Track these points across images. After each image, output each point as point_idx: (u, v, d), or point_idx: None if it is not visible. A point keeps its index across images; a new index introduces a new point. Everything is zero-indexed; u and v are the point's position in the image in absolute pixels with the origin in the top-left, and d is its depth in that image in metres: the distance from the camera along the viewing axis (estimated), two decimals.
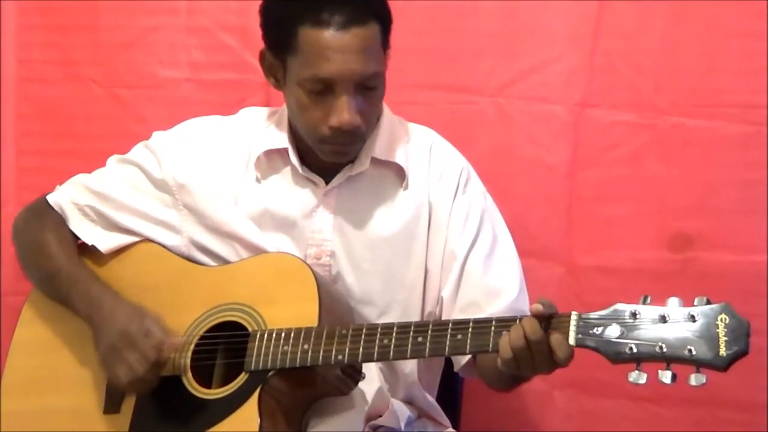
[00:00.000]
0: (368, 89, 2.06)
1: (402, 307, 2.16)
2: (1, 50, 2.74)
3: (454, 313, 2.13)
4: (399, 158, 2.18)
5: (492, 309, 2.09)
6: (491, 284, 2.13)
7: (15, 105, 2.76)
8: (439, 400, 2.30)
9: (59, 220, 2.23)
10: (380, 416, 2.13)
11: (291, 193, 2.17)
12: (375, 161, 2.16)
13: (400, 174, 2.18)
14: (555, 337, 1.82)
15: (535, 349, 1.83)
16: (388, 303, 2.16)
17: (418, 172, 2.19)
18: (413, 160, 2.19)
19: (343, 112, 2.03)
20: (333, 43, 2.01)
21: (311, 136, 2.10)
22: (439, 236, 2.17)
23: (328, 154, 2.12)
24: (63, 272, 2.18)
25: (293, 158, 2.16)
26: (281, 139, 2.18)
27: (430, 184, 2.18)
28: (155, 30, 2.74)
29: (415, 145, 2.21)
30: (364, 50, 2.03)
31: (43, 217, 2.24)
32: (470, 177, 2.22)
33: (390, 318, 2.14)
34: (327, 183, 2.17)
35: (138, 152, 2.26)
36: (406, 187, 2.18)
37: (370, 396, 2.09)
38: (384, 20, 2.08)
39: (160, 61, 2.74)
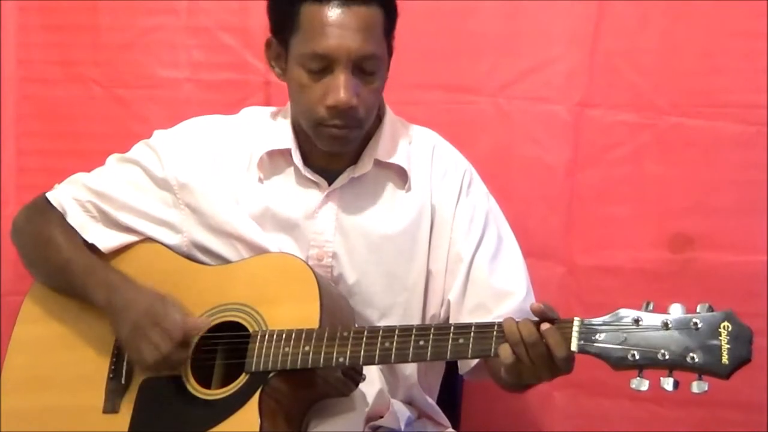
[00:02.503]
0: (367, 73, 2.06)
1: (403, 309, 2.16)
2: (1, 50, 2.74)
3: (462, 315, 2.13)
4: (401, 160, 2.17)
5: (500, 311, 2.09)
6: (498, 286, 2.14)
7: (15, 105, 2.75)
8: (439, 400, 2.31)
9: (62, 216, 2.23)
10: (380, 417, 2.12)
11: (293, 193, 2.17)
12: (378, 163, 2.16)
13: (402, 176, 2.18)
14: (553, 339, 1.82)
15: (532, 352, 1.84)
16: (389, 305, 2.16)
17: (420, 174, 2.18)
18: (416, 162, 2.19)
19: (339, 90, 2.03)
20: (332, 19, 2.02)
21: (309, 120, 2.09)
22: (443, 239, 2.17)
23: (326, 141, 2.10)
24: (74, 263, 2.18)
25: (296, 159, 2.16)
26: (284, 140, 2.17)
27: (432, 186, 2.18)
28: (155, 30, 2.73)
29: (418, 147, 2.21)
30: (364, 29, 2.03)
31: (45, 213, 2.24)
32: (473, 179, 2.22)
33: (391, 320, 2.14)
34: (330, 184, 2.16)
35: (139, 151, 2.25)
36: (409, 189, 2.18)
37: (370, 397, 2.09)
38: (388, 8, 2.08)
39: (160, 61, 2.74)
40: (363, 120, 2.09)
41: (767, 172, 2.53)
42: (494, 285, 2.13)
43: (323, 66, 2.04)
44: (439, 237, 2.17)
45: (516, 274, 2.17)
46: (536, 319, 1.86)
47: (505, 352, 1.85)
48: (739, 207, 2.56)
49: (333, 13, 2.02)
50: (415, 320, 2.16)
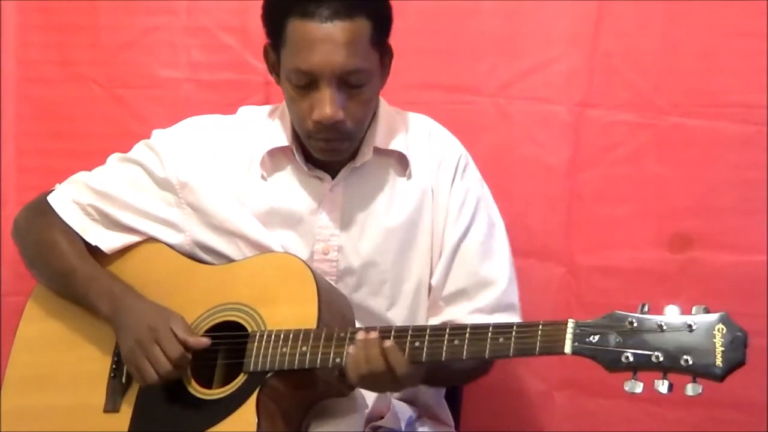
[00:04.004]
0: (353, 87, 2.04)
1: (411, 298, 2.17)
2: (1, 50, 2.74)
3: (440, 299, 2.15)
4: (400, 146, 2.17)
5: (481, 299, 2.12)
6: (483, 273, 2.15)
7: (15, 105, 2.76)
8: None
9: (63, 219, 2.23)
10: (381, 418, 2.13)
11: (296, 189, 2.17)
12: (377, 151, 2.16)
13: (402, 162, 2.18)
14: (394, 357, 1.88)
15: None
16: (396, 294, 2.17)
17: (419, 160, 2.18)
18: (414, 147, 2.19)
19: (325, 106, 2.02)
20: (316, 35, 2.00)
21: (300, 130, 2.10)
22: (439, 223, 2.17)
23: (317, 151, 2.11)
24: (78, 271, 2.18)
25: (297, 156, 2.16)
26: (284, 137, 2.17)
27: (431, 171, 2.18)
28: (155, 30, 2.73)
29: (414, 133, 2.21)
30: (348, 43, 2.00)
31: (47, 216, 2.23)
32: (468, 164, 2.22)
33: (399, 309, 2.16)
34: (333, 177, 2.16)
35: (139, 151, 2.25)
36: (410, 176, 2.17)
37: (370, 398, 2.09)
38: (377, 18, 2.05)
39: (160, 61, 2.74)
40: (352, 132, 2.09)
41: (767, 172, 2.52)
42: (479, 272, 2.15)
43: (308, 81, 2.03)
44: (437, 222, 2.17)
45: (501, 263, 2.18)
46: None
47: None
48: (739, 207, 2.55)
49: (317, 28, 2.00)
50: (423, 308, 2.17)
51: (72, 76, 2.75)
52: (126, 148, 2.28)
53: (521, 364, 2.62)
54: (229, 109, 2.33)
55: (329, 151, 2.10)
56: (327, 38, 2.00)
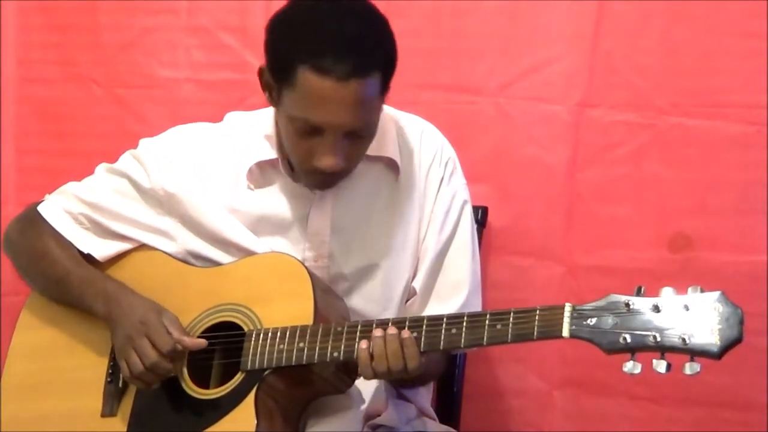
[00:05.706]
0: (359, 136, 2.01)
1: (402, 301, 2.16)
2: (1, 50, 2.75)
3: (415, 302, 2.15)
4: (390, 152, 2.16)
5: (453, 302, 2.12)
6: (456, 278, 2.15)
7: (15, 105, 2.76)
8: (439, 399, 2.32)
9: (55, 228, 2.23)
10: (379, 415, 2.13)
11: (285, 197, 2.15)
12: (367, 158, 2.12)
13: (392, 167, 2.16)
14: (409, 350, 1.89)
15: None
16: (388, 298, 2.16)
17: (411, 162, 2.17)
18: (405, 149, 2.18)
19: (329, 156, 1.99)
20: (330, 93, 1.93)
21: (297, 165, 2.07)
22: (424, 228, 2.17)
23: (311, 185, 2.10)
24: (72, 275, 2.18)
25: (285, 168, 2.13)
26: (272, 149, 2.14)
27: (420, 175, 2.17)
28: (155, 30, 2.74)
29: (406, 134, 2.19)
30: (361, 102, 1.95)
31: (38, 225, 2.23)
32: (455, 168, 2.20)
33: (391, 312, 2.14)
34: None
35: (126, 162, 2.23)
36: (400, 180, 2.16)
37: (367, 395, 2.10)
38: (388, 66, 2.00)
39: (160, 61, 2.74)
40: (349, 171, 2.07)
41: (767, 172, 2.52)
42: (451, 278, 2.15)
43: (313, 129, 1.98)
44: (423, 226, 2.17)
45: (472, 267, 2.18)
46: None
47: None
48: (739, 207, 2.54)
49: (330, 87, 1.92)
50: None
51: (72, 76, 2.76)
52: (126, 148, 2.28)
53: (521, 363, 2.62)
54: (229, 109, 2.32)
55: (326, 187, 2.09)
56: (341, 98, 1.93)
